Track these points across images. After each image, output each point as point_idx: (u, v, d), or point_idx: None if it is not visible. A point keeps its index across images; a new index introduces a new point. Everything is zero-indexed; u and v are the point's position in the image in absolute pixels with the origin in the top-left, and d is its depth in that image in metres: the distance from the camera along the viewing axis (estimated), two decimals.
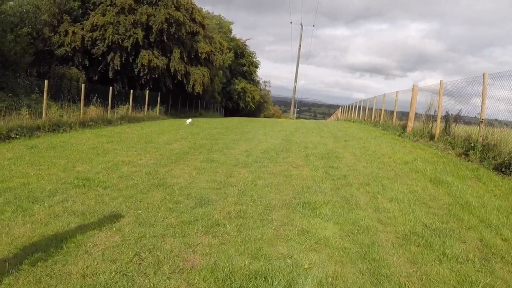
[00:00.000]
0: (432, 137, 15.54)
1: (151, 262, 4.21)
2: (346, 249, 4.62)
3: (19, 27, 22.44)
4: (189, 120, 23.69)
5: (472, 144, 11.80)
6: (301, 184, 7.47)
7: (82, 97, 20.58)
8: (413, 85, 18.16)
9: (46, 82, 17.48)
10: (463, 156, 11.75)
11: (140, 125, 21.80)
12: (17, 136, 13.71)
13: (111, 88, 23.35)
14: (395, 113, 22.83)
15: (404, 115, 22.46)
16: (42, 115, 16.99)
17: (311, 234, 5.02)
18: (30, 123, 15.65)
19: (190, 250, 4.50)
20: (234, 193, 6.70)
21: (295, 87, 49.37)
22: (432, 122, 16.34)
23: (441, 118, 14.98)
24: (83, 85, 21.20)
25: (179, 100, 37.51)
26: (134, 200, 6.24)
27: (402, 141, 15.85)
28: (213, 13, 60.06)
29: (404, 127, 19.36)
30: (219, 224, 5.26)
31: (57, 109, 18.94)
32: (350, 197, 6.65)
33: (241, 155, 10.71)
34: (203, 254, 4.42)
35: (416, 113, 18.39)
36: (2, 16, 21.23)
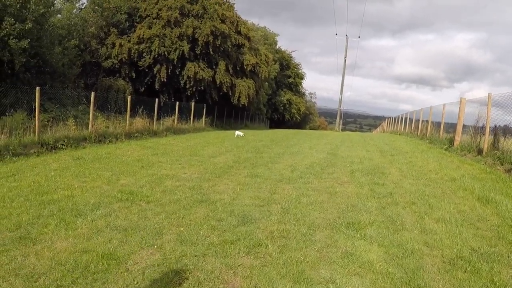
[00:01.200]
0: (480, 152, 15.09)
1: (191, 283, 4.22)
2: (390, 274, 4.51)
3: (66, 39, 23.12)
4: (238, 133, 23.47)
5: None
6: (345, 202, 7.37)
7: (128, 109, 20.99)
8: (461, 97, 17.69)
9: (92, 93, 17.85)
10: None
11: (186, 136, 22.05)
12: (64, 147, 14.10)
13: (157, 99, 23.73)
14: (442, 126, 22.30)
15: (451, 127, 21.91)
16: (88, 126, 17.37)
17: (354, 257, 4.93)
18: (77, 134, 16.04)
19: (231, 272, 4.49)
20: (277, 211, 6.67)
21: (340, 99, 49.05)
22: (480, 136, 15.88)
23: (489, 132, 14.54)
24: (129, 96, 21.62)
25: (225, 112, 37.83)
26: (177, 217, 6.30)
27: (449, 156, 15.45)
28: (258, 25, 60.51)
29: (451, 141, 18.88)
30: (261, 245, 5.23)
31: (104, 120, 19.35)
32: (395, 217, 6.50)
33: (286, 170, 10.68)
34: (244, 276, 4.40)
35: (464, 125, 17.89)
36: (51, 28, 21.93)
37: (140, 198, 7.38)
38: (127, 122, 20.63)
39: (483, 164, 12.83)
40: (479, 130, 16.15)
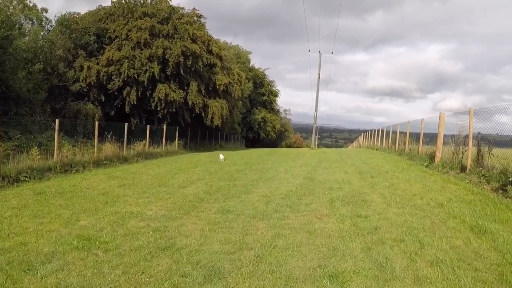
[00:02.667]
0: (463, 169, 14.53)
1: None
2: None
3: (30, 63, 22.15)
4: (222, 157, 22.67)
5: (510, 179, 10.83)
6: (326, 243, 6.56)
7: (96, 135, 20.11)
8: (440, 113, 17.18)
9: (57, 120, 17.05)
10: (500, 192, 10.76)
11: (157, 162, 21.17)
12: (27, 179, 13.20)
13: (126, 124, 22.85)
14: (421, 142, 21.80)
15: (431, 140, 21.46)
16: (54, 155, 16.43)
17: None
18: (41, 164, 15.11)
19: None
20: (250, 260, 5.81)
21: (315, 117, 48.55)
22: (462, 152, 15.35)
23: (471, 147, 13.97)
24: (96, 122, 20.70)
25: (198, 133, 37.05)
26: (136, 271, 5.43)
27: (432, 174, 14.87)
28: (231, 43, 60.13)
29: (431, 157, 18.34)
30: None
31: (70, 148, 18.43)
32: (384, 262, 5.72)
33: (260, 202, 9.85)
34: None
35: (444, 135, 17.30)
36: (15, 52, 20.95)
37: (98, 245, 6.52)
38: (95, 149, 19.71)
39: (468, 183, 12.26)
40: (460, 144, 15.62)
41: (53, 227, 7.59)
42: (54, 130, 16.88)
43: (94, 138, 20.28)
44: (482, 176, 12.50)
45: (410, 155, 22.14)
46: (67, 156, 17.17)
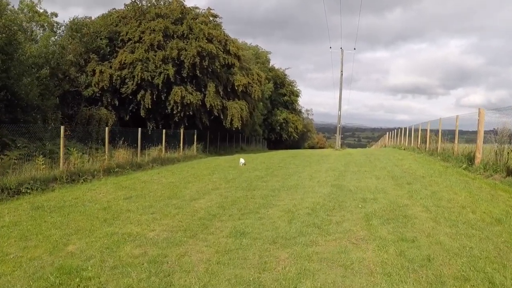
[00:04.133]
0: (510, 172, 12.87)
1: None
2: None
3: (36, 69, 21.07)
4: (242, 161, 21.33)
5: None
6: (368, 285, 5.02)
7: (107, 141, 18.93)
8: (479, 108, 15.44)
9: (62, 127, 16.00)
10: None
11: (173, 168, 19.85)
12: (28, 191, 12.24)
13: (140, 129, 21.57)
14: (456, 141, 20.04)
15: (469, 137, 19.79)
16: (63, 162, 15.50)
17: None
18: (46, 173, 14.11)
19: None
20: None
21: (339, 116, 46.71)
22: (508, 152, 13.67)
23: None
24: (106, 128, 19.49)
25: (218, 136, 35.73)
26: None
27: (474, 179, 13.20)
28: (250, 43, 58.70)
29: (470, 158, 16.63)
30: None
31: (80, 155, 17.20)
32: None
33: (282, 220, 8.30)
34: None
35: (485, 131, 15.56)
36: (22, 58, 19.89)
37: (78, 282, 5.25)
38: (106, 156, 18.52)
39: None
40: (506, 143, 13.95)
41: (37, 254, 6.47)
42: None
43: (105, 145, 19.06)
44: None
45: (443, 156, 20.41)
46: (74, 165, 16.04)
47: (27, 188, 12.33)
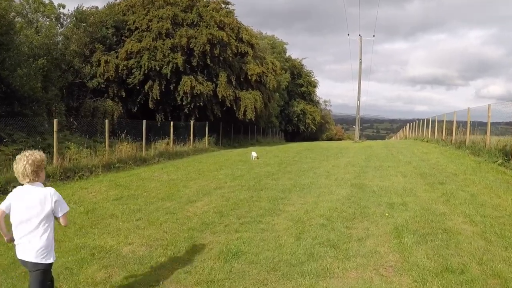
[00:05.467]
0: None
1: None
2: None
3: (32, 59, 19.81)
4: (254, 154, 19.81)
5: None
6: None
7: (107, 135, 17.62)
8: None
9: (55, 120, 14.79)
10: None
11: (179, 163, 18.34)
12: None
13: (144, 121, 20.11)
14: (488, 134, 18.14)
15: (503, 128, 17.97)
16: (65, 156, 14.66)
17: None
18: None
19: None
20: None
21: (358, 106, 44.66)
22: None
23: None
24: (106, 120, 18.14)
25: (232, 128, 34.20)
26: None
27: None
28: (266, 33, 56.99)
29: (505, 152, 14.82)
30: None
31: (80, 150, 15.89)
32: None
33: (288, 234, 6.61)
34: None
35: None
36: (20, 47, 18.71)
37: None
38: (106, 151, 17.13)
39: None
40: None
41: None
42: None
43: (105, 139, 17.70)
44: None
45: (473, 149, 18.52)
46: (70, 160, 14.70)
47: (14, 186, 10.92)
